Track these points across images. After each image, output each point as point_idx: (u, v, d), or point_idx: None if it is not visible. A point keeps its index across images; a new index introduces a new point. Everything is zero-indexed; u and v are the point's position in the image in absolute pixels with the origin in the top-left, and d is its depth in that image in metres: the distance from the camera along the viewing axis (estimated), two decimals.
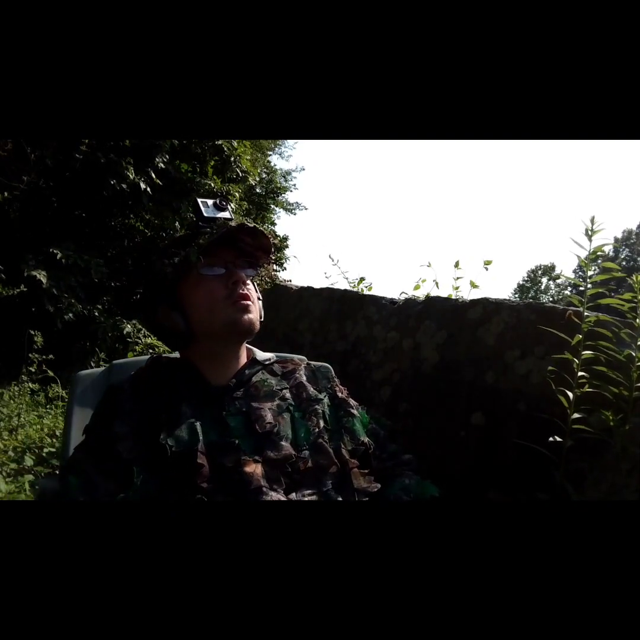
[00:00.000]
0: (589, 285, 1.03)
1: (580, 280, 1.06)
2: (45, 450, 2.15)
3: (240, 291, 0.73)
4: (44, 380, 3.37)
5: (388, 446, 0.80)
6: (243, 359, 0.78)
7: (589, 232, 1.02)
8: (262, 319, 0.80)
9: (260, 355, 0.82)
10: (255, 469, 0.65)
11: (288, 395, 0.75)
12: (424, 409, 1.39)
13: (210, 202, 0.77)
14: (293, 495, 0.66)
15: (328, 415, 0.76)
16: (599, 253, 1.02)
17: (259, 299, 0.80)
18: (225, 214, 0.77)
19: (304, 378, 0.80)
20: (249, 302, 0.73)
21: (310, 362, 0.86)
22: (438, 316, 1.46)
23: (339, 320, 1.84)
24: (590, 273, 1.02)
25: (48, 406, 3.12)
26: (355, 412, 0.79)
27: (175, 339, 0.76)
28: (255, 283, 0.82)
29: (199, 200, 0.77)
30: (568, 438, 0.96)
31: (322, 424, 0.74)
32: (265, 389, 0.74)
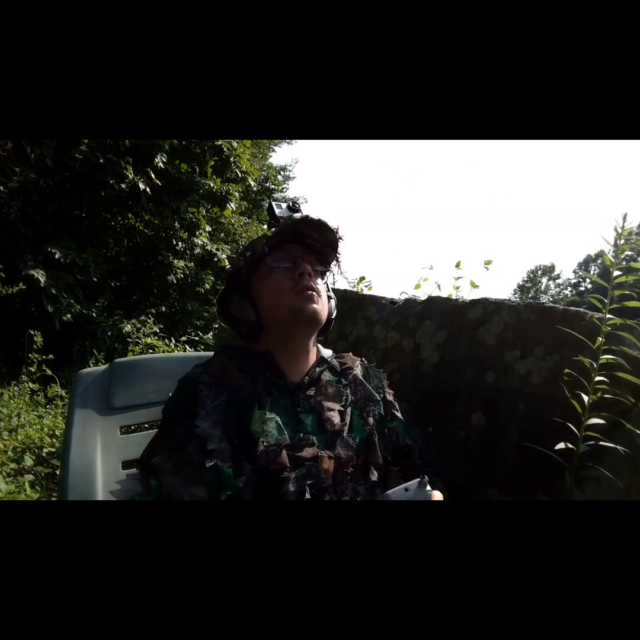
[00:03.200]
0: (615, 283, 0.96)
1: (604, 280, 0.99)
2: (45, 450, 2.15)
3: (306, 282, 0.75)
4: (43, 380, 3.37)
5: (425, 455, 0.84)
6: (313, 356, 0.81)
7: (619, 230, 0.95)
8: (332, 316, 0.83)
9: (324, 352, 0.85)
10: (329, 466, 0.68)
11: (349, 392, 0.78)
12: (424, 409, 1.39)
13: (283, 204, 0.81)
14: (348, 489, 0.69)
15: (379, 416, 0.79)
16: (627, 252, 0.96)
17: (330, 297, 0.83)
18: (297, 216, 0.79)
19: (360, 375, 0.83)
20: (313, 293, 0.75)
21: (363, 359, 0.89)
22: (438, 316, 1.45)
23: (338, 320, 1.84)
24: (617, 273, 0.96)
25: (48, 406, 3.12)
26: (399, 414, 0.83)
27: (245, 329, 0.79)
28: (327, 283, 0.84)
29: (273, 202, 0.80)
30: (581, 444, 0.93)
31: (373, 424, 0.77)
32: (332, 390, 0.77)
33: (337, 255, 0.82)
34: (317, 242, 0.80)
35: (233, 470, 0.63)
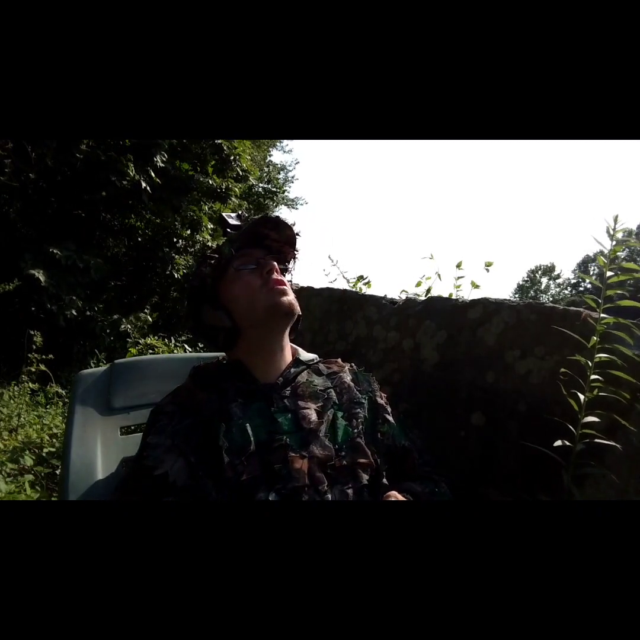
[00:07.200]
0: (608, 283, 0.97)
1: (597, 279, 1.00)
2: (45, 450, 2.15)
3: (275, 277, 0.77)
4: (43, 379, 3.37)
5: (425, 454, 0.84)
6: (288, 357, 0.82)
7: (611, 231, 0.97)
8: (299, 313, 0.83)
9: (305, 355, 0.85)
10: (302, 465, 0.68)
11: (333, 394, 0.78)
12: (424, 409, 1.39)
13: (233, 214, 0.84)
14: (334, 491, 0.68)
15: (366, 419, 0.79)
16: (618, 253, 0.97)
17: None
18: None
19: (348, 379, 0.83)
20: (284, 286, 0.77)
21: (353, 364, 0.89)
22: (438, 316, 1.45)
23: (339, 320, 1.84)
24: (609, 273, 0.97)
25: (48, 406, 3.12)
26: (390, 418, 0.82)
27: (222, 337, 0.79)
28: (291, 280, 0.86)
29: (223, 214, 0.84)
30: (578, 442, 0.94)
31: (360, 426, 0.77)
32: (310, 390, 0.77)
33: (295, 252, 0.85)
34: (275, 242, 0.82)
35: (194, 489, 0.64)
